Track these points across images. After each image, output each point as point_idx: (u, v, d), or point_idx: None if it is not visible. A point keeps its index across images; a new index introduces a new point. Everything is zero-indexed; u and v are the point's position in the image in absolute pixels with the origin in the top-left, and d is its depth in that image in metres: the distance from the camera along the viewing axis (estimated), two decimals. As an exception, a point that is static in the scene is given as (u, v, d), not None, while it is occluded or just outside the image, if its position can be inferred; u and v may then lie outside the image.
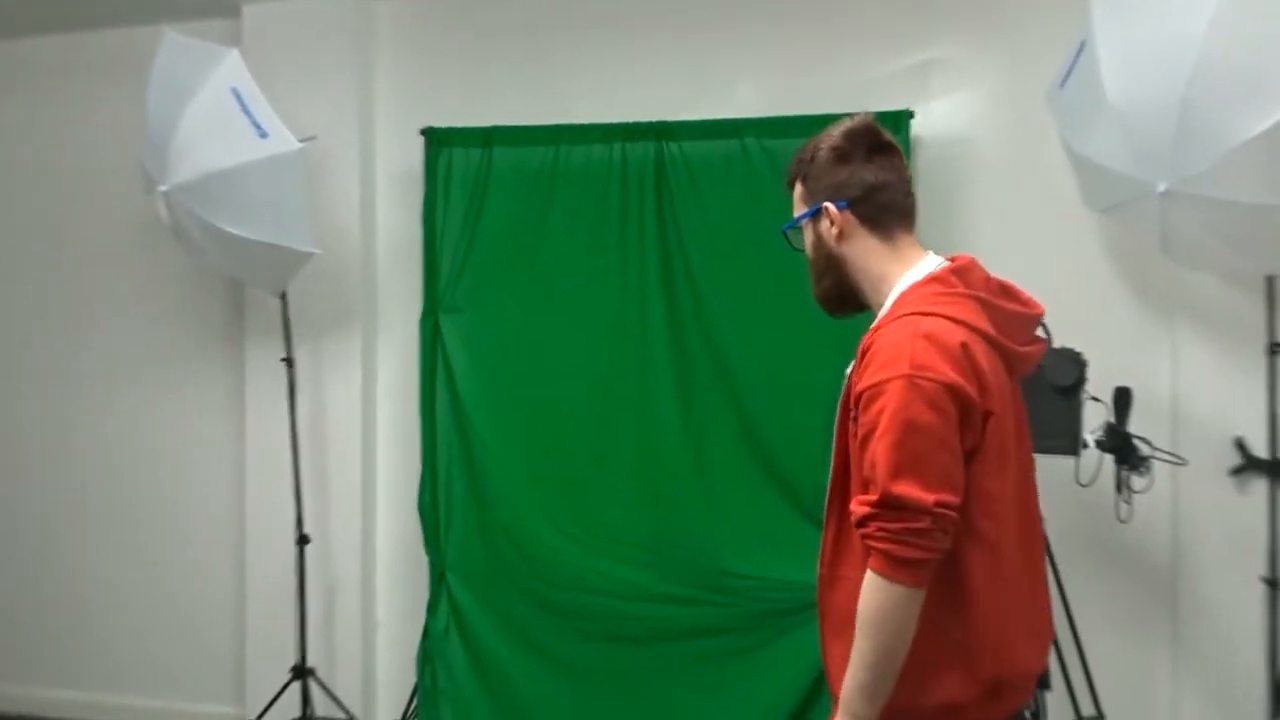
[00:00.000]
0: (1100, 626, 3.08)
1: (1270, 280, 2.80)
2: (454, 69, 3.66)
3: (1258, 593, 2.88)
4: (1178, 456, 2.84)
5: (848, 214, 1.76)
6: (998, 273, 3.13)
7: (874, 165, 1.77)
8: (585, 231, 3.41)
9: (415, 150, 3.55)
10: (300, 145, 3.11)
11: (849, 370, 1.74)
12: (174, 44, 3.14)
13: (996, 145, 3.24)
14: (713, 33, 3.44)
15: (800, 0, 3.38)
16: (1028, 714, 2.96)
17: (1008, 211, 3.24)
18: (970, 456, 1.62)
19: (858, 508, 1.60)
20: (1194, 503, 3.06)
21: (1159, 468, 2.84)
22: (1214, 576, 3.05)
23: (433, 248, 3.53)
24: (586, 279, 3.42)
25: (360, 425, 3.70)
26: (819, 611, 1.79)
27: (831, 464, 1.75)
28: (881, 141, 1.79)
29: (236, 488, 3.83)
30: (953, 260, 1.76)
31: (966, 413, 1.59)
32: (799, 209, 1.84)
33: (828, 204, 1.77)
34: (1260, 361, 2.84)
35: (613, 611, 3.40)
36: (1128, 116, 2.48)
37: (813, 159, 1.80)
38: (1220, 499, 3.04)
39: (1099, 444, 2.76)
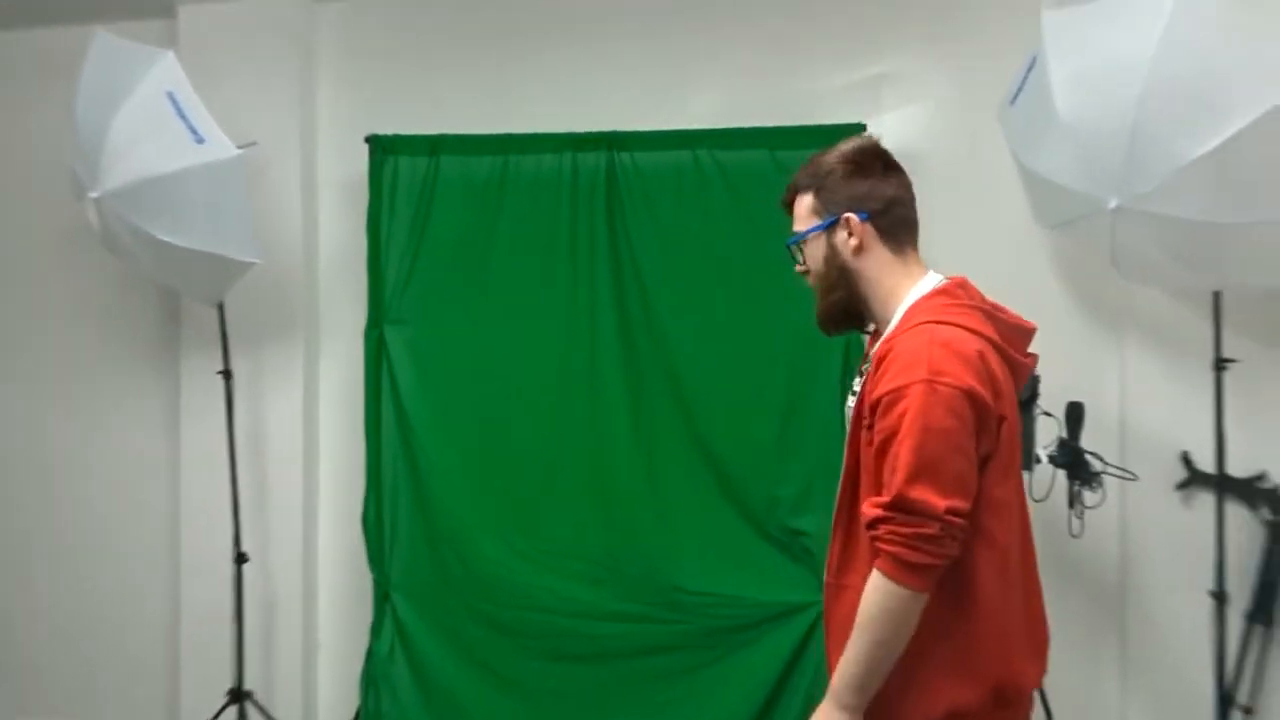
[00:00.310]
0: (1051, 640, 3.08)
1: (1217, 296, 2.82)
2: (400, 75, 3.58)
3: (1205, 606, 2.90)
4: (1128, 472, 2.85)
5: (868, 226, 1.80)
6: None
7: (891, 181, 1.83)
8: (535, 243, 3.34)
9: (360, 158, 3.46)
10: (239, 151, 3.00)
11: (858, 382, 1.80)
12: (105, 45, 3.01)
13: (948, 159, 3.24)
14: (666, 43, 3.40)
15: (753, 13, 3.35)
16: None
17: (959, 226, 3.22)
18: (984, 462, 1.65)
19: (870, 509, 1.63)
20: (1142, 517, 3.08)
21: (1108, 482, 2.85)
22: (1162, 590, 3.07)
23: (377, 258, 3.43)
24: (536, 291, 3.35)
25: (302, 440, 3.60)
26: (824, 620, 1.83)
27: (841, 473, 1.78)
28: (892, 160, 1.85)
29: (171, 504, 3.69)
30: (950, 279, 1.83)
31: (983, 418, 1.62)
32: (808, 222, 1.85)
33: (849, 215, 1.79)
34: (1207, 376, 2.86)
35: (563, 630, 3.33)
36: (1079, 133, 2.48)
37: (829, 172, 1.83)
38: (1167, 513, 3.05)
39: (1052, 459, 2.76)
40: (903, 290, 1.79)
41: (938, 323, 1.68)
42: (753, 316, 3.22)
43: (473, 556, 3.37)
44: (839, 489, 1.78)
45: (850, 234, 1.80)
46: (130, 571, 3.78)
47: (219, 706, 3.40)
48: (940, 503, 1.56)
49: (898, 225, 1.82)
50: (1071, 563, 3.18)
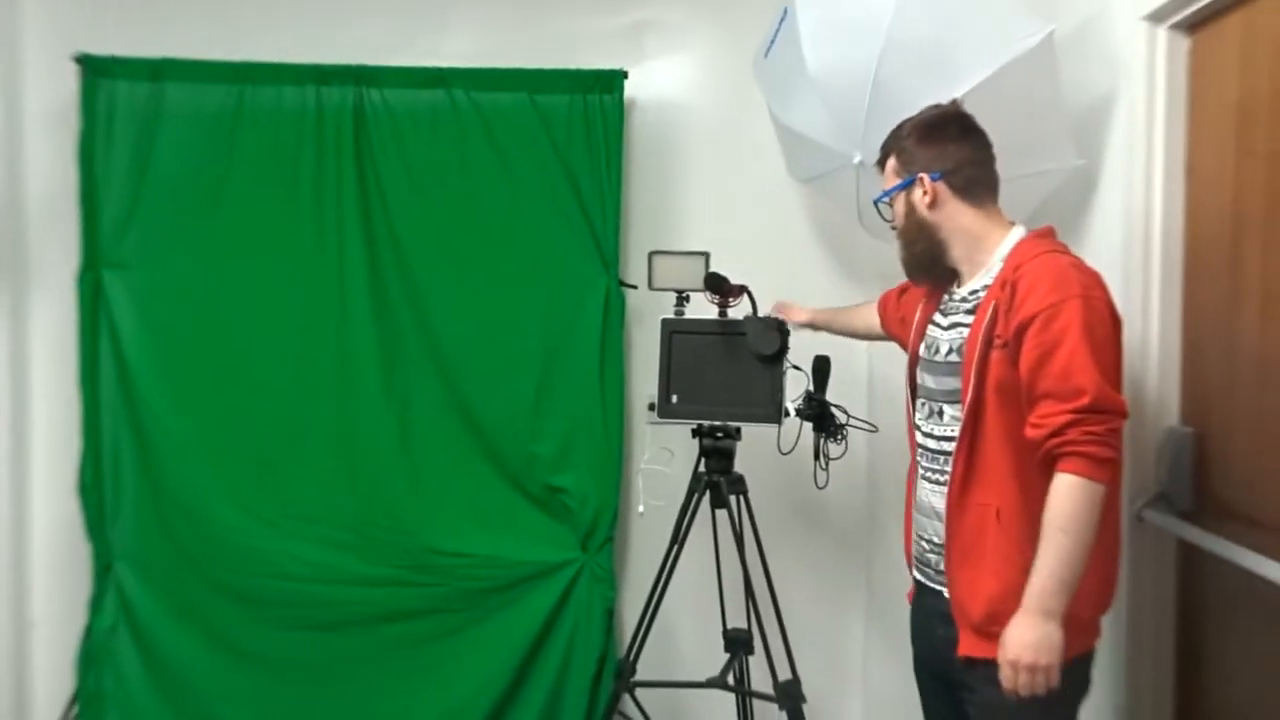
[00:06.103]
0: (799, 591, 3.16)
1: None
2: (120, -12, 3.21)
3: (939, 552, 3.03)
4: (870, 424, 2.92)
5: (940, 184, 2.02)
6: (709, 239, 3.11)
7: (965, 143, 2.03)
8: (275, 183, 3.08)
9: (72, 80, 3.08)
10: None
11: (950, 320, 2.03)
12: None
13: (710, 110, 3.22)
14: (422, -26, 3.20)
15: (515, -53, 3.20)
16: (731, 678, 3.00)
17: (720, 177, 3.23)
18: None
19: (1054, 418, 1.76)
20: (887, 469, 3.18)
21: (855, 435, 2.92)
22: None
23: (92, 193, 3.07)
24: (276, 235, 3.09)
25: (9, 394, 3.20)
26: (945, 542, 1.97)
27: (964, 400, 1.92)
28: (970, 124, 2.05)
29: None
30: (1037, 229, 2.03)
31: (1120, 335, 1.85)
32: (890, 182, 2.12)
33: (923, 174, 2.02)
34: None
35: (309, 597, 3.13)
36: (826, 87, 2.49)
37: (906, 136, 2.07)
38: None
39: (799, 412, 2.79)
40: (994, 237, 2.01)
41: (1059, 253, 1.89)
42: (510, 266, 3.10)
43: (206, 521, 3.11)
44: (962, 414, 1.91)
45: (925, 192, 2.02)
46: None
47: (-93, 697, 3.02)
48: (1121, 400, 1.76)
49: (972, 183, 2.02)
50: (821, 514, 3.27)
